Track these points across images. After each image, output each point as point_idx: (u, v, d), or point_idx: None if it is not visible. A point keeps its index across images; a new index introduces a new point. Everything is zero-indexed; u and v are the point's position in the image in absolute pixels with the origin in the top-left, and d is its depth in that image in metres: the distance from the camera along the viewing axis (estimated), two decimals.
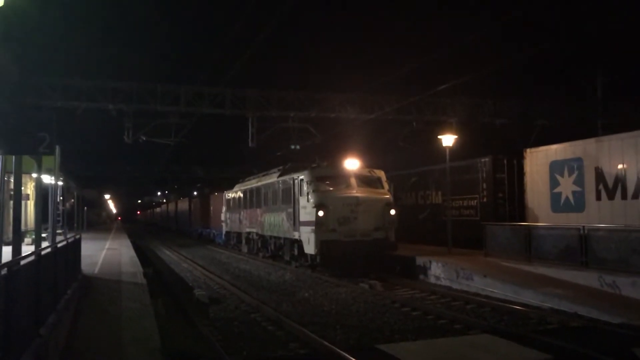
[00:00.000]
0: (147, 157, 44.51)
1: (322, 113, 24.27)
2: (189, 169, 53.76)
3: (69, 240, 12.26)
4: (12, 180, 13.71)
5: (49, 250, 8.73)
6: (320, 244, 17.19)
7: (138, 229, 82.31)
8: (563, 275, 13.84)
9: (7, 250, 9.84)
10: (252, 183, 26.55)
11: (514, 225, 17.41)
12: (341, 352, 8.43)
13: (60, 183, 21.46)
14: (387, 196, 18.35)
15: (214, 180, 54.65)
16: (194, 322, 11.61)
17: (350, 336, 10.23)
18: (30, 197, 27.10)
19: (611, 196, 16.10)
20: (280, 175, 21.83)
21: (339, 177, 18.58)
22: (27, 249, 10.45)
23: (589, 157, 16.95)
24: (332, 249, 17.16)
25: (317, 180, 18.26)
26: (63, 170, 22.97)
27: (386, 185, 18.77)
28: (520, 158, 19.73)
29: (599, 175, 16.52)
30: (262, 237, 24.46)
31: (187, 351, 9.21)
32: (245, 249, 27.81)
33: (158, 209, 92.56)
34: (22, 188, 11.39)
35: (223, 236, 33.88)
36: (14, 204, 10.69)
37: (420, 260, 17.67)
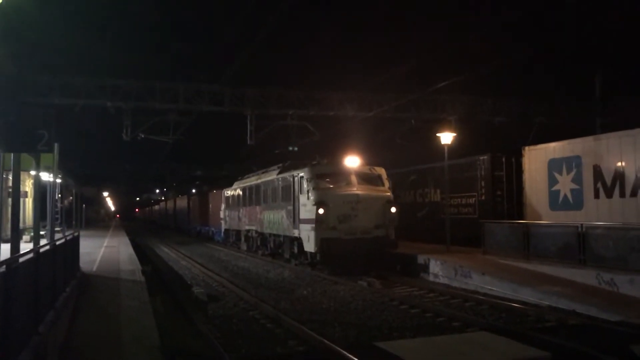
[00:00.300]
0: (146, 155, 44.48)
1: (321, 111, 24.25)
2: (187, 166, 53.74)
3: (68, 238, 12.25)
4: (10, 178, 13.72)
5: (47, 247, 8.73)
6: (321, 241, 17.17)
7: (137, 226, 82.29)
8: (561, 273, 13.87)
9: (6, 248, 9.83)
10: (252, 180, 26.52)
11: (513, 223, 17.43)
12: (340, 349, 8.45)
13: (58, 180, 21.42)
14: (388, 194, 18.33)
15: (212, 178, 54.64)
16: (193, 319, 11.62)
17: (349, 334, 10.24)
18: (29, 194, 27.11)
19: (609, 194, 16.11)
20: (279, 173, 21.80)
21: (340, 175, 18.54)
22: (25, 246, 10.46)
23: (588, 155, 16.96)
24: (333, 247, 17.13)
25: (317, 178, 18.22)
26: (61, 168, 22.93)
27: (387, 183, 18.73)
28: (519, 156, 19.73)
29: (598, 173, 16.53)
30: (261, 234, 24.45)
31: (185, 349, 9.22)
32: (244, 246, 27.80)
33: (157, 207, 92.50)
34: (21, 185, 11.37)
35: (222, 234, 33.90)
36: (12, 201, 10.68)
37: (418, 258, 17.68)
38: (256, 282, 17.23)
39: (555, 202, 17.96)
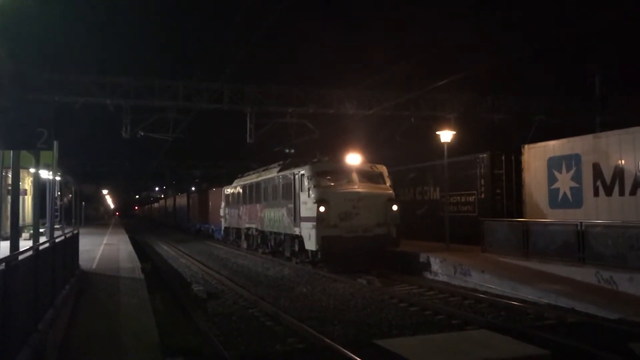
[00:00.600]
0: (145, 153, 44.50)
1: (321, 109, 24.24)
2: (187, 164, 53.72)
3: (67, 236, 12.25)
4: (10, 175, 13.72)
5: (46, 245, 8.73)
6: (322, 239, 17.11)
7: (136, 224, 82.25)
8: (560, 271, 13.88)
9: (5, 246, 9.84)
10: (252, 178, 26.46)
11: (512, 221, 17.43)
12: (339, 347, 8.45)
13: (58, 178, 21.41)
14: (389, 192, 18.27)
15: (212, 176, 54.64)
16: (192, 317, 11.63)
17: (348, 331, 10.25)
18: (28, 192, 27.09)
19: (609, 192, 16.12)
20: (280, 170, 21.74)
21: (340, 172, 18.47)
22: (24, 244, 10.45)
23: (587, 154, 16.95)
24: (333, 245, 17.08)
25: (318, 176, 18.15)
26: (61, 166, 22.93)
27: (388, 181, 18.68)
28: (518, 154, 19.72)
29: (597, 172, 16.52)
30: (261, 233, 24.42)
31: (185, 346, 9.22)
32: (244, 244, 27.78)
33: (156, 205, 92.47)
34: (20, 183, 11.37)
35: (222, 232, 33.89)
36: (11, 199, 10.66)
37: (418, 256, 17.68)
38: (256, 280, 17.24)
39: (555, 200, 17.96)
